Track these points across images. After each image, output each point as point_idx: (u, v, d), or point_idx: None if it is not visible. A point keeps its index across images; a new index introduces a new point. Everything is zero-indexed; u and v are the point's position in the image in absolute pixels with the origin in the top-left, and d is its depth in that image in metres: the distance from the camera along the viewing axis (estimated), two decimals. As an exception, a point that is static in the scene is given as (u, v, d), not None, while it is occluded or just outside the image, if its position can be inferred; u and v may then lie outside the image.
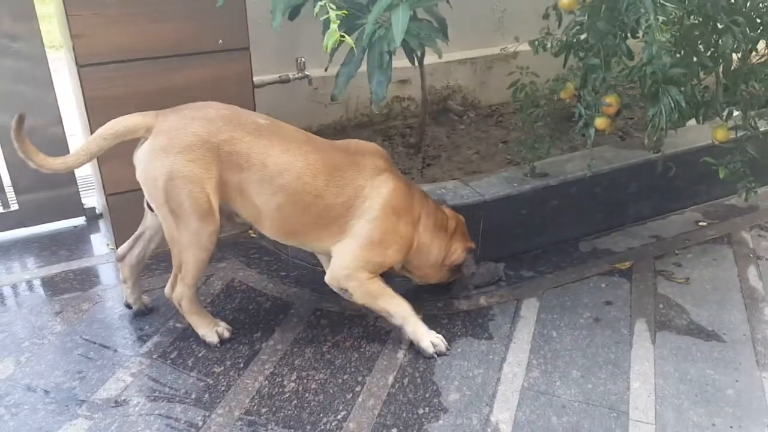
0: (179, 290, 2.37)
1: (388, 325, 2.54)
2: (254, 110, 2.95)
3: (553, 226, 3.06)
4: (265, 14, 2.38)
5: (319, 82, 3.48)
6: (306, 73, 3.39)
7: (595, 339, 2.48)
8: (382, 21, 2.41)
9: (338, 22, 1.73)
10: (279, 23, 2.35)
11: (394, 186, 2.35)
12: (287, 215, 2.29)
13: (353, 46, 1.85)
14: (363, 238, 2.32)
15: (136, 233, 2.56)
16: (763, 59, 2.59)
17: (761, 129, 2.65)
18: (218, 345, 2.44)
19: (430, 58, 2.80)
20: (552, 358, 2.39)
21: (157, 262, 2.97)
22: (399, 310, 2.40)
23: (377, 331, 2.54)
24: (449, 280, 2.69)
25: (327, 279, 2.40)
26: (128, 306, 2.64)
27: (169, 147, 2.18)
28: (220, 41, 2.76)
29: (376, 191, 2.32)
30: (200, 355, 2.41)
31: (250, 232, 3.18)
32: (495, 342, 2.49)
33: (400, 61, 2.86)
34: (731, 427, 2.10)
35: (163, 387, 2.26)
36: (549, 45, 2.68)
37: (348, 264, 2.33)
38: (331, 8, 1.73)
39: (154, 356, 2.41)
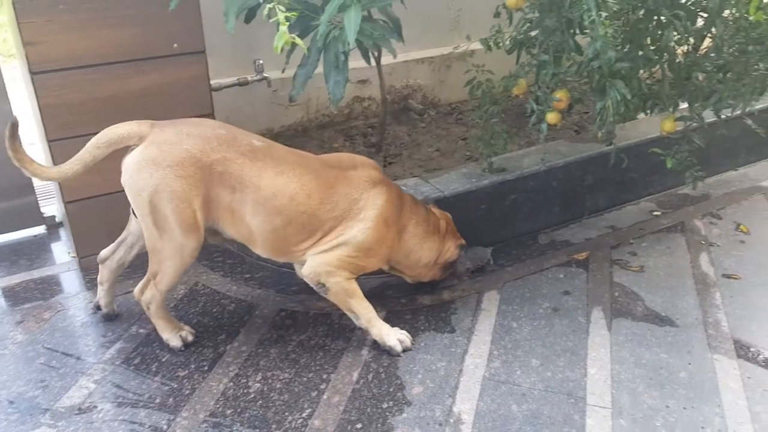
0: (150, 294, 2.37)
1: (352, 323, 2.58)
2: (212, 113, 2.97)
3: (513, 220, 3.12)
4: (220, 17, 2.39)
5: (278, 83, 3.49)
6: (264, 75, 3.40)
7: (554, 328, 2.55)
8: (336, 22, 2.44)
9: (288, 23, 1.75)
10: (233, 26, 2.36)
11: (387, 197, 2.39)
12: (282, 236, 2.31)
13: (303, 47, 1.88)
14: (353, 245, 2.35)
15: (120, 238, 2.55)
16: (706, 52, 2.68)
17: (707, 120, 2.73)
18: (182, 349, 2.44)
19: (389, 58, 2.83)
20: (512, 348, 2.45)
21: (120, 268, 2.96)
22: (366, 313, 2.44)
23: (342, 329, 2.57)
24: (441, 278, 2.73)
25: (305, 271, 2.40)
26: (97, 308, 2.64)
27: (159, 160, 2.17)
28: (175, 45, 2.76)
29: (371, 203, 2.36)
30: (164, 359, 2.41)
31: (213, 235, 3.18)
32: (457, 335, 2.53)
33: (360, 62, 2.89)
34: (684, 408, 2.17)
35: (127, 393, 2.26)
36: (502, 43, 2.74)
37: (332, 261, 2.35)
38: (280, 10, 1.76)
39: (117, 362, 2.40)
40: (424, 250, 2.57)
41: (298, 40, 1.80)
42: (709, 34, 2.65)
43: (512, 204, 3.07)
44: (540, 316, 2.61)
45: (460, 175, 3.03)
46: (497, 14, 2.67)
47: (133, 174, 2.19)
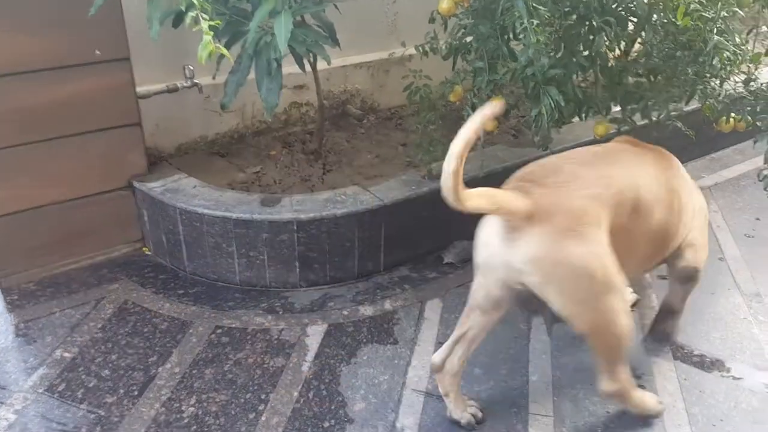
0: (622, 382, 2.00)
1: (293, 338, 2.51)
2: (140, 122, 2.86)
3: (454, 226, 3.09)
4: (146, 22, 2.28)
5: (210, 90, 3.37)
6: (195, 81, 3.28)
7: (496, 336, 2.52)
8: (267, 27, 2.37)
9: (212, 33, 1.67)
10: (156, 31, 2.26)
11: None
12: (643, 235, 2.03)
13: (229, 57, 1.80)
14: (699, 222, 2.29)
15: (455, 336, 2.12)
16: (636, 57, 2.72)
17: (639, 122, 2.78)
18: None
19: (326, 63, 2.77)
20: (455, 358, 2.42)
21: (43, 288, 2.79)
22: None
23: (281, 345, 2.49)
24: None
25: (694, 263, 2.28)
26: (456, 422, 2.14)
27: (573, 223, 1.78)
28: (98, 52, 2.62)
29: (677, 180, 2.28)
30: (90, 385, 2.28)
31: (144, 248, 3.04)
32: (400, 346, 2.49)
33: (296, 67, 2.81)
34: (624, 412, 2.18)
35: (51, 422, 2.13)
36: (438, 48, 2.71)
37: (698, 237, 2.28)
38: (203, 18, 1.67)
39: (40, 390, 2.26)
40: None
41: (223, 50, 1.72)
42: (639, 40, 2.69)
43: (453, 211, 3.03)
44: (482, 324, 2.60)
45: (400, 182, 2.99)
46: (432, 20, 2.64)
47: (559, 261, 1.77)
